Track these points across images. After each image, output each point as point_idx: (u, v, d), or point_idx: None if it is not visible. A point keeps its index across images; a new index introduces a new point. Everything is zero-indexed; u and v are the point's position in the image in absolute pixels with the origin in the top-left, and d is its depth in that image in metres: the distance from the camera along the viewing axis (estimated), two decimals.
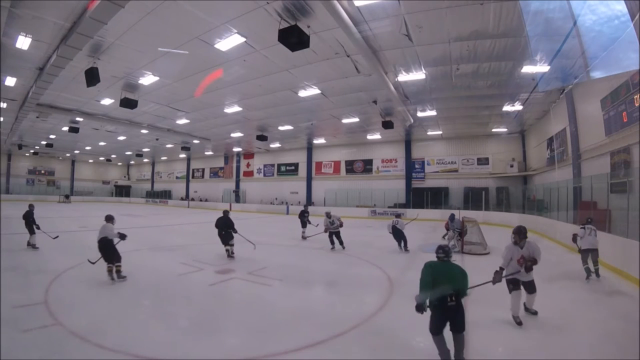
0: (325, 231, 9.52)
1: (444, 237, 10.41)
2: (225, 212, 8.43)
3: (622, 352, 3.41)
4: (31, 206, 8.89)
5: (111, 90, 12.83)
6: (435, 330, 3.07)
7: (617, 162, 9.20)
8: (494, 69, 10.26)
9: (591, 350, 3.45)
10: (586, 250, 6.30)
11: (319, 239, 11.60)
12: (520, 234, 4.20)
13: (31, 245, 8.29)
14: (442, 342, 3.05)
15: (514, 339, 3.78)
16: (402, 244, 9.40)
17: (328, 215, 9.69)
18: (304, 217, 11.70)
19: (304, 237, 11.44)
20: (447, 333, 3.04)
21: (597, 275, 6.29)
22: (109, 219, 6.12)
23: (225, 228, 8.07)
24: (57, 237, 9.05)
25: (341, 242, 9.35)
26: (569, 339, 3.73)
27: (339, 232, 9.40)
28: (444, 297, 2.97)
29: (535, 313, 4.34)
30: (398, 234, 9.43)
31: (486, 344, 3.57)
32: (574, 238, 6.71)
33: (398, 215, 9.77)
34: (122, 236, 5.90)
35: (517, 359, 3.42)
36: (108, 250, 5.83)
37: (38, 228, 8.43)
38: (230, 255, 7.88)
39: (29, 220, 8.41)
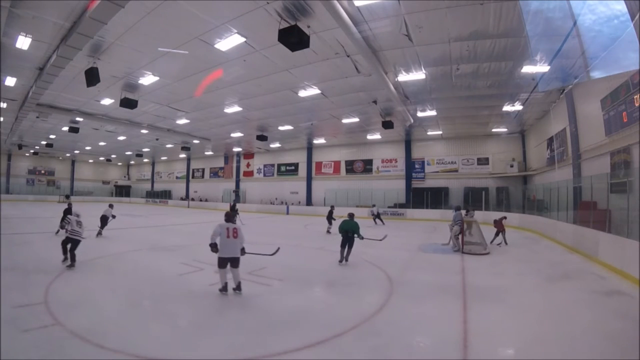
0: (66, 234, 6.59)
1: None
2: (235, 203, 16.65)
3: (622, 352, 3.41)
4: (70, 204, 10.79)
5: (111, 90, 12.83)
6: (342, 246, 7.47)
7: (617, 162, 9.20)
8: (494, 69, 10.26)
9: (591, 350, 3.44)
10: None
11: (322, 239, 11.60)
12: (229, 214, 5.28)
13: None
14: (343, 250, 7.47)
15: (515, 337, 3.79)
16: (379, 220, 17.39)
17: (70, 209, 6.85)
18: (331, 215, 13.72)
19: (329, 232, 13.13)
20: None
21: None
22: (111, 206, 11.48)
23: (234, 213, 13.04)
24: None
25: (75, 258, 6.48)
26: (569, 339, 3.72)
27: (79, 241, 6.56)
28: (347, 232, 7.35)
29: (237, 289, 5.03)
30: (378, 216, 17.65)
31: (488, 339, 3.58)
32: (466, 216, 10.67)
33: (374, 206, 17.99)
34: (114, 216, 11.20)
35: (516, 359, 3.43)
36: (105, 222, 10.81)
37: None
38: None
39: (69, 214, 9.83)
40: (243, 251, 5.12)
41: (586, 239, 8.49)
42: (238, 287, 5.06)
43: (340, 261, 7.48)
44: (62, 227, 6.75)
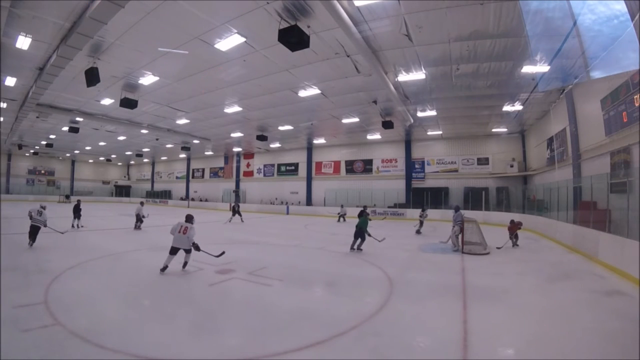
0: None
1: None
2: (237, 204, 18.26)
3: (622, 352, 3.41)
4: (79, 201, 13.28)
5: (111, 90, 12.84)
6: (354, 237, 8.89)
7: (617, 162, 9.20)
8: (494, 69, 10.26)
9: (591, 350, 3.45)
10: (422, 222, 13.52)
11: (323, 239, 11.60)
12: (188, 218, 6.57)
13: (75, 226, 12.46)
14: (355, 240, 8.91)
15: (515, 337, 3.79)
16: (342, 219, 19.03)
17: (79, 206, 12.77)
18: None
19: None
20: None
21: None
22: (142, 203, 13.70)
23: (237, 208, 17.55)
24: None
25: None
26: (569, 339, 3.73)
27: (38, 227, 8.37)
28: (357, 226, 8.88)
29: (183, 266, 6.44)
30: (342, 216, 19.20)
31: (488, 339, 3.58)
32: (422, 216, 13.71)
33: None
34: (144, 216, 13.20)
35: (516, 358, 3.43)
36: (140, 219, 13.03)
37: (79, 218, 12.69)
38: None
39: (78, 209, 12.79)
40: (196, 247, 6.26)
41: (586, 239, 8.50)
42: (184, 265, 6.49)
43: (351, 249, 8.87)
44: (30, 216, 8.45)
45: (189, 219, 6.54)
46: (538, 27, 7.72)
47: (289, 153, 28.83)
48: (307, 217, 22.31)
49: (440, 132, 20.60)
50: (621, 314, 4.45)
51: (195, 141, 24.43)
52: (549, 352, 3.38)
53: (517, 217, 16.44)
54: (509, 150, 20.32)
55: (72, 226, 12.36)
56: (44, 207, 8.78)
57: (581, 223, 9.25)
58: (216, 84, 12.23)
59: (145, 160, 40.85)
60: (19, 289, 4.90)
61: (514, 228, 10.04)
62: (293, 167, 28.87)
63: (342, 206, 20.48)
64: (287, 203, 27.45)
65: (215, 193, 34.14)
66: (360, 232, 8.79)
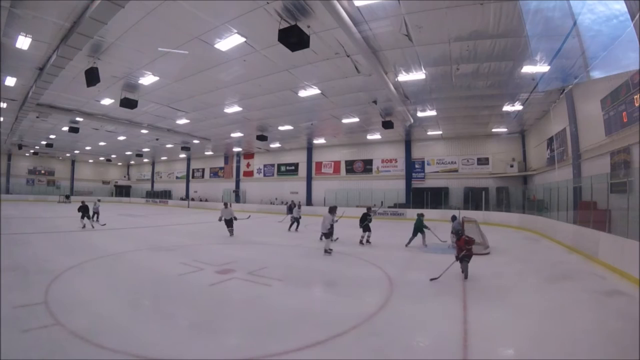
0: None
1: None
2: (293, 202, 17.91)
3: (622, 352, 3.41)
4: (83, 202, 13.54)
5: (111, 90, 12.84)
6: (413, 234, 9.74)
7: (617, 162, 9.20)
8: (494, 69, 10.26)
9: (591, 350, 3.44)
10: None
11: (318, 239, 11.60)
12: None
13: (90, 225, 12.91)
14: (412, 238, 9.80)
15: (515, 337, 3.79)
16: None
17: (85, 207, 13.34)
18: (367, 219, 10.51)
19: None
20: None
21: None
22: (226, 204, 12.51)
23: (294, 206, 15.26)
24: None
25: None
26: (569, 339, 3.72)
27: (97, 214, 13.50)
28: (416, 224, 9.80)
29: None
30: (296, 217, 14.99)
31: (488, 339, 3.58)
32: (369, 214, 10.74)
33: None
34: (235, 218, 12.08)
35: (515, 358, 3.43)
36: (230, 223, 11.71)
37: (89, 218, 13.08)
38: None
39: (86, 211, 13.06)
40: (326, 234, 8.46)
41: (586, 239, 8.49)
42: (325, 252, 8.32)
43: (407, 246, 9.67)
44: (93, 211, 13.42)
45: (330, 210, 8.67)
46: (538, 27, 7.72)
47: (289, 153, 28.83)
48: (307, 217, 22.28)
49: (440, 132, 20.59)
50: (621, 314, 4.45)
51: (195, 141, 24.44)
52: (549, 352, 3.38)
53: (516, 217, 16.47)
54: (509, 150, 20.32)
55: (84, 226, 12.86)
56: (97, 203, 14.40)
57: (581, 223, 9.25)
58: (216, 84, 12.23)
59: (145, 160, 40.86)
60: (19, 289, 4.90)
61: (462, 244, 6.01)
62: (293, 167, 28.87)
63: (297, 206, 15.54)
64: (287, 203, 27.42)
65: (215, 193, 34.13)
66: (418, 229, 9.79)
